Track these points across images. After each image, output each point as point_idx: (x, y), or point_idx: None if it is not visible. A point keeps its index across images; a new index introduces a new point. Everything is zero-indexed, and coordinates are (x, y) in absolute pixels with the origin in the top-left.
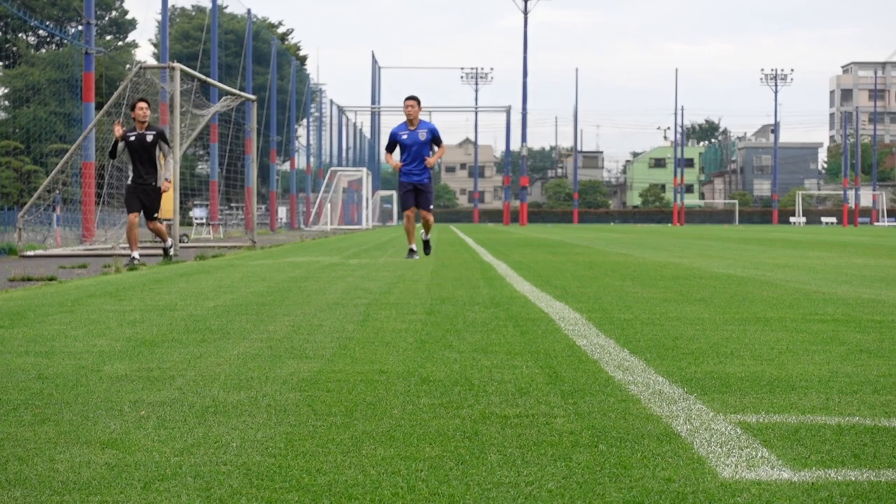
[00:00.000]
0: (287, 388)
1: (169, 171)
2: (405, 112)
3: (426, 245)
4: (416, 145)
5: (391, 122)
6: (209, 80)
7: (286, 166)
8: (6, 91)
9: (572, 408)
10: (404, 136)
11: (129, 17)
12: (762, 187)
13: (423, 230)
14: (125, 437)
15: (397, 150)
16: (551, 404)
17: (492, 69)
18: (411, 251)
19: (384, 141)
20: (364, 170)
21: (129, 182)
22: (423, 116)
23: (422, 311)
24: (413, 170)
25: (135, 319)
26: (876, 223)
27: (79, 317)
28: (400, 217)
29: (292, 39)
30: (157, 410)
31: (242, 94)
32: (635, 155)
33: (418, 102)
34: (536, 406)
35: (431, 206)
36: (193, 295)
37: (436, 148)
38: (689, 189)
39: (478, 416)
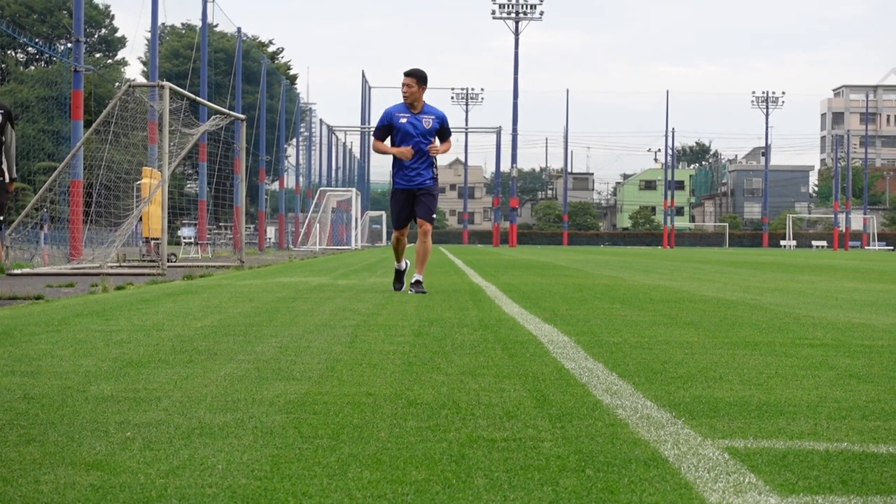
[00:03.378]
0: (274, 409)
1: (13, 167)
2: (402, 93)
3: (418, 284)
4: (419, 135)
5: None
6: (198, 98)
7: (275, 186)
8: None
9: (560, 432)
10: (403, 120)
11: (118, 34)
12: (753, 210)
13: (416, 260)
14: (110, 458)
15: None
16: (539, 428)
17: (482, 90)
18: (398, 276)
19: (374, 161)
20: (353, 190)
21: None
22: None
23: (410, 332)
24: (411, 169)
25: (121, 339)
26: (867, 247)
27: (65, 336)
28: (390, 237)
29: (282, 58)
30: (142, 432)
31: (232, 113)
32: (626, 177)
33: (419, 80)
34: (524, 430)
35: (434, 216)
36: (181, 315)
37: (438, 144)
38: (680, 211)
39: (465, 439)
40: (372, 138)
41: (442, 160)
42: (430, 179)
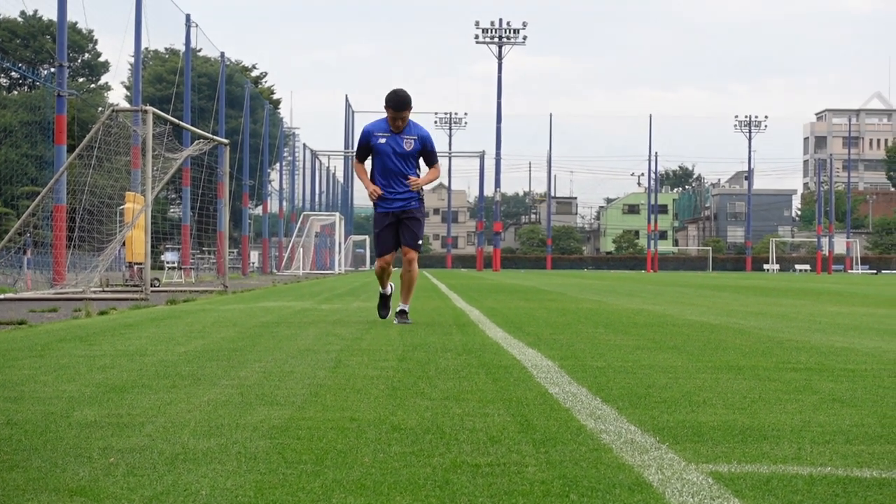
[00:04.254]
0: (257, 435)
1: None
2: (391, 125)
3: (403, 314)
4: (399, 157)
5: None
6: (182, 123)
7: (259, 210)
8: None
9: (544, 456)
10: (381, 141)
11: (101, 59)
12: (736, 234)
13: (400, 288)
14: (94, 484)
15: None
16: (523, 453)
17: (466, 114)
18: (384, 301)
19: (358, 185)
20: (337, 214)
21: None
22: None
23: (394, 357)
24: (394, 191)
25: (105, 364)
26: (850, 271)
27: (48, 362)
28: (374, 262)
29: (266, 83)
30: (126, 457)
31: (215, 137)
32: (609, 201)
33: (410, 108)
34: (508, 455)
35: (420, 243)
36: (164, 340)
37: (425, 168)
38: (663, 235)
39: (449, 464)
40: (354, 159)
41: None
42: (416, 202)
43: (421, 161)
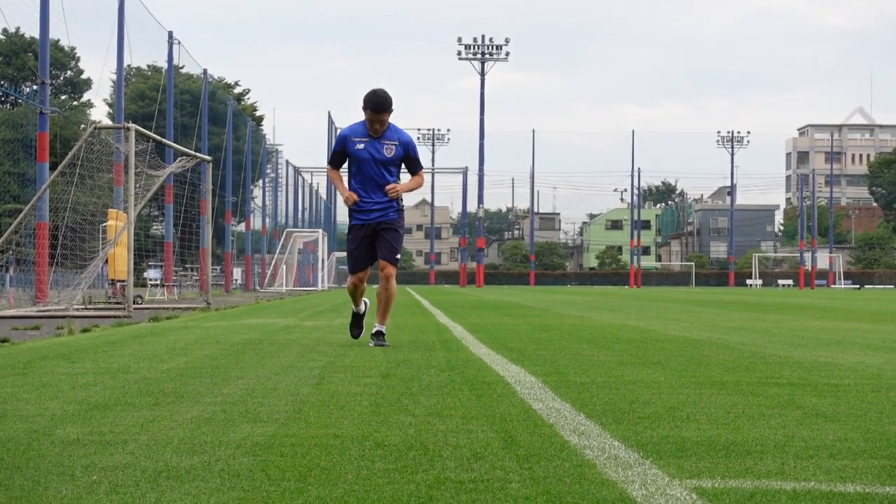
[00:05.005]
0: (241, 452)
1: None
2: (370, 129)
3: (379, 336)
4: (378, 164)
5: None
6: (164, 140)
7: (241, 227)
8: None
9: (528, 472)
10: (359, 146)
11: (84, 76)
12: (719, 249)
13: (377, 307)
14: (77, 502)
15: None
16: (506, 469)
17: (448, 130)
18: (357, 321)
19: (341, 202)
20: (320, 231)
21: None
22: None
23: (377, 373)
24: (371, 201)
25: (87, 382)
26: (833, 286)
27: (31, 379)
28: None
29: (248, 100)
30: (109, 475)
31: (198, 154)
32: (592, 217)
33: (391, 111)
34: (491, 471)
35: (398, 256)
36: (147, 357)
37: (407, 176)
38: (646, 251)
39: (432, 481)
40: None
41: (409, 201)
42: (394, 212)
43: (403, 169)
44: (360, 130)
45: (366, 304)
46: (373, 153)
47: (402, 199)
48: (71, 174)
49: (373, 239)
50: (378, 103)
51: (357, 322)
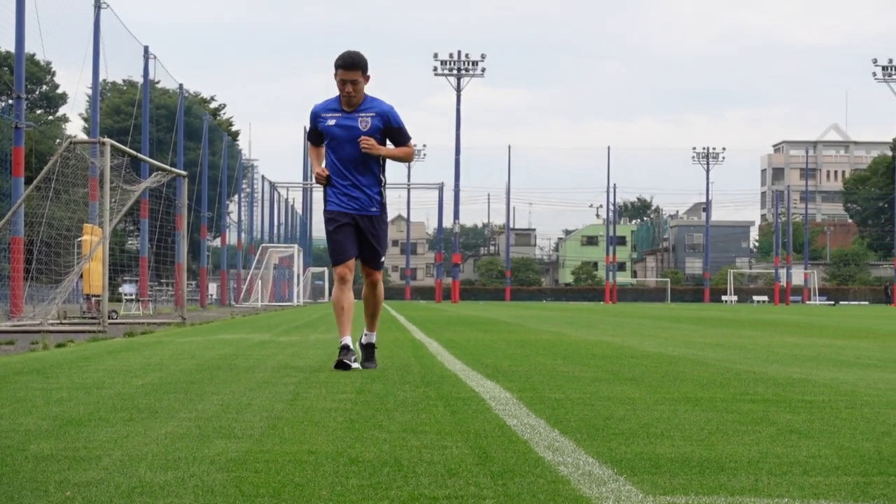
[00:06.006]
0: (215, 468)
1: None
2: (342, 93)
3: (369, 350)
4: (354, 140)
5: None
6: (140, 155)
7: (217, 242)
8: None
9: (502, 489)
10: (331, 122)
11: (59, 91)
12: (694, 265)
13: (365, 316)
14: None
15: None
16: (481, 486)
17: (425, 146)
18: (344, 353)
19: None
20: (295, 246)
21: None
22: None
23: (352, 389)
24: (350, 186)
25: (62, 398)
26: (808, 302)
27: (5, 395)
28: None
29: (224, 115)
30: (82, 491)
31: (173, 169)
32: (567, 232)
33: (364, 71)
34: (466, 487)
35: (383, 260)
36: (121, 372)
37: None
38: (622, 267)
39: (407, 497)
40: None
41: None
42: (376, 206)
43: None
44: (332, 104)
45: (357, 357)
46: (346, 127)
47: (385, 190)
48: (46, 189)
49: (356, 229)
50: (348, 59)
51: (344, 357)
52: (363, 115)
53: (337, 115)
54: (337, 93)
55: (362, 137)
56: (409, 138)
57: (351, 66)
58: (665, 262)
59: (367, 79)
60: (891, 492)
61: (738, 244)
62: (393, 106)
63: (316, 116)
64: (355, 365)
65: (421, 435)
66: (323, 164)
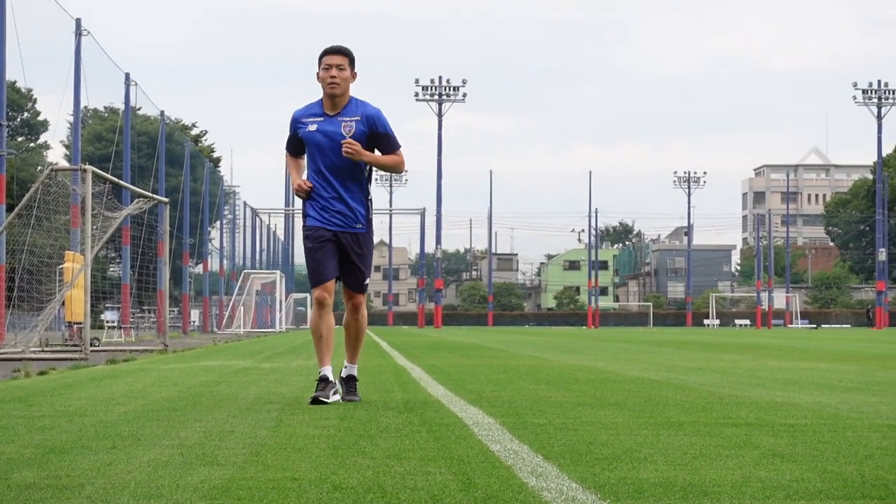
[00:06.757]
0: (198, 496)
1: None
2: (326, 84)
3: (350, 383)
4: (337, 148)
5: None
6: (121, 182)
7: (199, 269)
8: None
9: None
10: (311, 128)
11: (41, 118)
12: (676, 289)
13: (346, 345)
14: None
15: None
16: None
17: (406, 171)
18: (321, 388)
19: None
20: (278, 272)
21: None
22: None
23: (335, 416)
24: (332, 199)
25: (44, 425)
26: (789, 325)
27: None
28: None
29: (206, 141)
30: None
31: (155, 196)
32: (550, 257)
33: (351, 62)
34: None
35: (366, 282)
36: (104, 400)
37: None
38: (604, 291)
39: None
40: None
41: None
42: (362, 222)
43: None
44: (314, 109)
45: (337, 389)
46: (328, 133)
47: (372, 204)
48: (28, 216)
49: (338, 248)
50: (335, 46)
51: (324, 386)
52: (347, 119)
53: (319, 119)
54: (319, 97)
55: (345, 140)
56: (397, 146)
57: (337, 52)
58: (647, 286)
59: (354, 75)
60: None
61: (720, 268)
62: (381, 110)
63: (296, 122)
64: (334, 398)
65: (404, 461)
66: (304, 176)
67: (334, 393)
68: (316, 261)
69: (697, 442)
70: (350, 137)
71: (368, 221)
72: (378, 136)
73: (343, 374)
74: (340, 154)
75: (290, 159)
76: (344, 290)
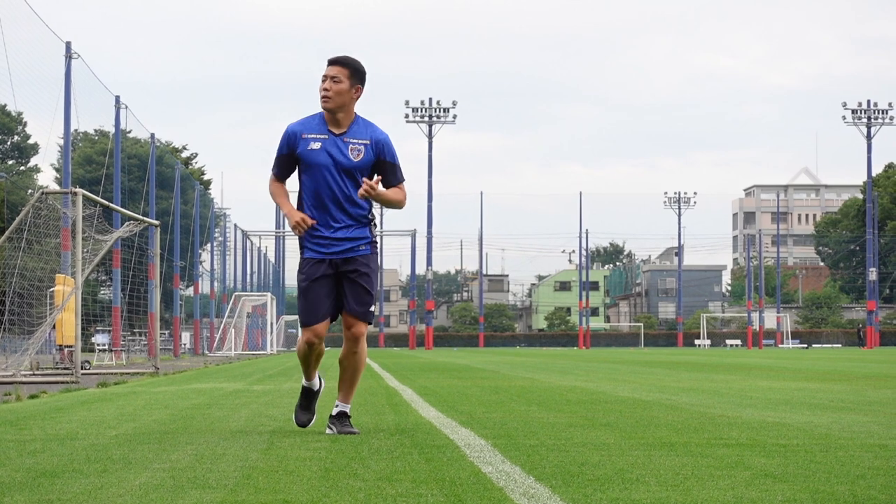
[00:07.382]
0: None
1: None
2: (322, 96)
3: (342, 418)
4: (341, 172)
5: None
6: (112, 205)
7: (190, 291)
8: None
9: None
10: (315, 146)
11: (31, 141)
12: (667, 310)
13: (341, 382)
14: None
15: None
16: None
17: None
18: (307, 398)
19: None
20: (268, 295)
21: None
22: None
23: (326, 438)
24: (331, 226)
25: (35, 449)
26: (780, 345)
27: None
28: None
29: (196, 163)
30: None
31: (145, 219)
32: (540, 278)
33: (353, 73)
34: None
35: (372, 309)
36: (95, 423)
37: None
38: (595, 312)
39: None
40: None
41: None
42: (367, 244)
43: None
44: (316, 125)
45: (321, 382)
46: (334, 155)
47: (375, 225)
48: (18, 239)
49: (336, 280)
50: (338, 56)
51: (307, 402)
52: (355, 142)
53: (322, 137)
54: (318, 110)
55: (366, 182)
56: (402, 178)
57: (335, 62)
58: (638, 306)
59: (356, 91)
60: None
61: (711, 288)
62: (389, 136)
63: (295, 137)
64: (318, 385)
65: (396, 483)
66: (295, 206)
67: (312, 417)
68: (308, 300)
69: (689, 462)
70: (357, 162)
71: (373, 244)
72: (384, 165)
73: (334, 413)
74: (341, 177)
75: (277, 186)
76: (344, 319)
